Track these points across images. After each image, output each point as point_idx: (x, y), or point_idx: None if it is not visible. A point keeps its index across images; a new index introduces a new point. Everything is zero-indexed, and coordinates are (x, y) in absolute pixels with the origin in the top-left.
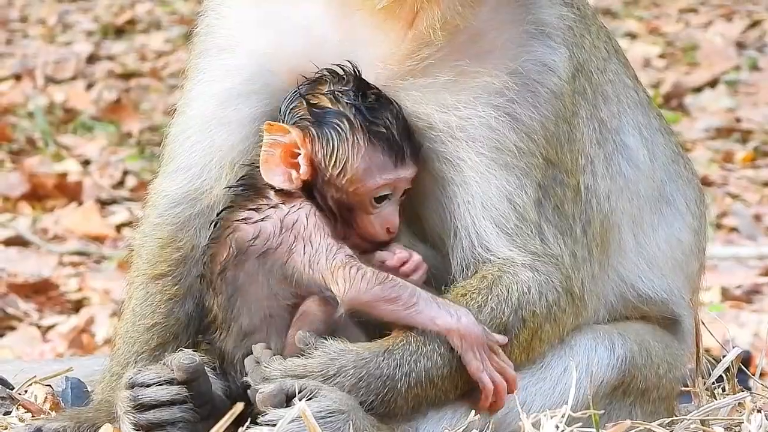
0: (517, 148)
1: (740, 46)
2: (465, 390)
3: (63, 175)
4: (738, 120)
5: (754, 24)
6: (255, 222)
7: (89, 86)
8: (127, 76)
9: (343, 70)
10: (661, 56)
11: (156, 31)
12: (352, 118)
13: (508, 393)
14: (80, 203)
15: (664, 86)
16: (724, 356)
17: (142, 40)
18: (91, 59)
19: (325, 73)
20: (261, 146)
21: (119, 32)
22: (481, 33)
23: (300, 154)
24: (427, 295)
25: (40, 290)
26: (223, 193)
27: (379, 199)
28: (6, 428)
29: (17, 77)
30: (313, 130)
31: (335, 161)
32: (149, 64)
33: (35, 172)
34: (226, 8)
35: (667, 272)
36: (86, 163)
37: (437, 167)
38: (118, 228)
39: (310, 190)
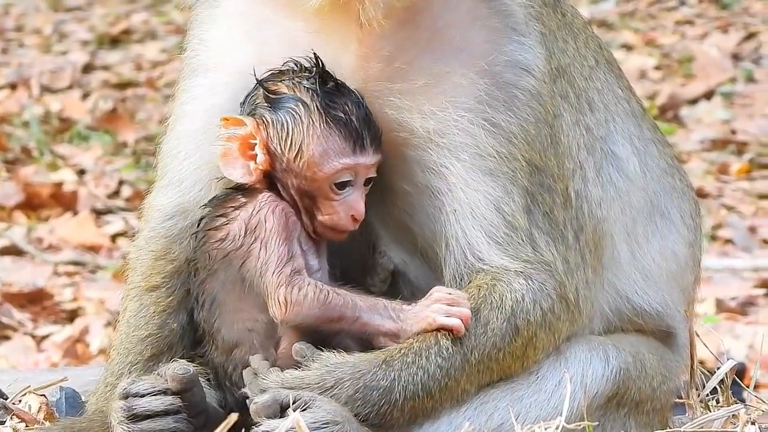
0: (498, 152)
1: (736, 57)
2: (462, 400)
3: (58, 185)
4: (733, 132)
5: (750, 36)
6: (223, 226)
7: (85, 96)
8: (122, 85)
9: (307, 61)
10: (657, 68)
11: (151, 41)
12: (308, 102)
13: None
14: (75, 213)
15: (659, 98)
16: (718, 368)
17: (138, 49)
18: (87, 69)
19: (290, 64)
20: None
21: (115, 42)
22: (444, 30)
23: (256, 143)
24: (367, 304)
25: (34, 300)
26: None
27: (341, 186)
28: None
29: (13, 86)
30: (267, 116)
31: (290, 144)
32: (145, 73)
33: (30, 181)
34: (207, 32)
35: (662, 285)
36: (81, 172)
37: (422, 176)
38: (114, 238)
39: (272, 182)
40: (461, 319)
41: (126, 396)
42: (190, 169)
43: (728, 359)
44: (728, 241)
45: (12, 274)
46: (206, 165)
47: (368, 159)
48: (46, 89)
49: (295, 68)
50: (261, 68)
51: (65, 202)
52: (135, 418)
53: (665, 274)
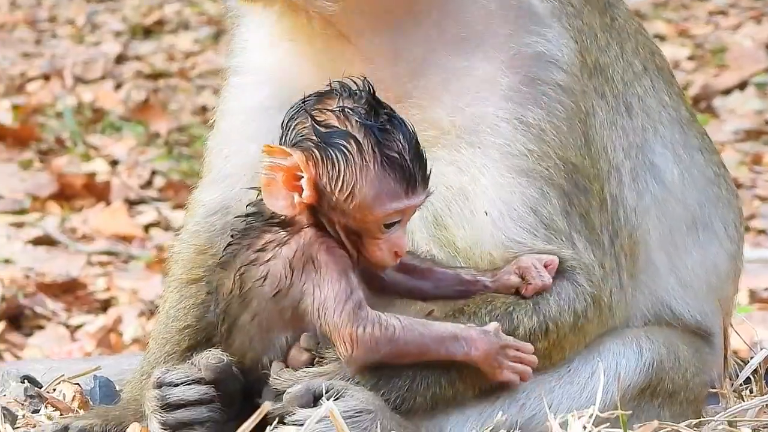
0: (529, 150)
1: None
2: (486, 389)
3: (91, 175)
4: (767, 122)
5: None
6: (263, 263)
7: (117, 86)
8: (155, 76)
9: (356, 84)
10: (690, 58)
11: (184, 32)
12: (361, 139)
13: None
14: (108, 203)
15: (692, 88)
16: (751, 358)
17: (171, 40)
18: (120, 59)
19: (336, 86)
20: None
21: (147, 33)
22: (457, 24)
23: (303, 177)
24: (433, 335)
25: (68, 290)
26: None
27: (389, 225)
28: (34, 426)
29: (46, 77)
30: (316, 152)
31: (342, 186)
32: (177, 64)
33: (64, 172)
34: (247, 33)
35: (702, 296)
36: (114, 163)
37: (456, 178)
38: (146, 228)
39: (315, 214)
40: (522, 376)
41: (160, 385)
42: (232, 167)
43: (761, 349)
44: (761, 232)
45: (45, 264)
46: (248, 163)
47: (419, 200)
48: (79, 80)
49: (342, 92)
50: (300, 68)
51: (98, 192)
52: (168, 407)
53: (705, 286)
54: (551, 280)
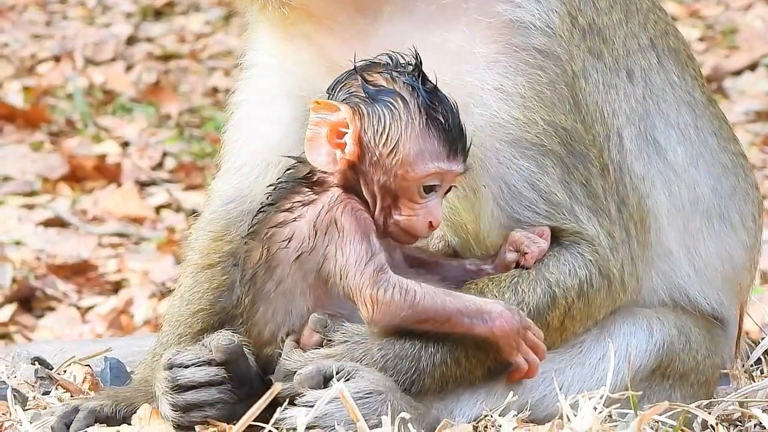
0: (514, 118)
1: None
2: (495, 368)
3: (102, 157)
4: None
5: None
6: (288, 223)
7: (128, 68)
8: (166, 58)
9: (404, 57)
10: (701, 39)
11: (195, 13)
12: (407, 98)
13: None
14: (119, 185)
15: (703, 69)
16: (763, 338)
17: (181, 22)
18: (131, 41)
19: (385, 57)
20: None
21: (158, 14)
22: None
23: (347, 132)
24: (457, 304)
25: (79, 271)
26: (264, 191)
27: (427, 189)
28: (45, 408)
29: (57, 59)
30: (363, 107)
31: (386, 140)
32: (188, 46)
33: (74, 153)
34: (254, 29)
35: (717, 285)
36: (125, 144)
37: None
38: (157, 210)
39: (351, 176)
40: (531, 367)
41: (170, 366)
42: (247, 155)
43: None
44: None
45: (56, 246)
46: (262, 151)
47: (459, 167)
48: (89, 62)
49: (391, 62)
50: (318, 55)
51: (109, 174)
52: (179, 388)
53: (720, 276)
54: (547, 244)
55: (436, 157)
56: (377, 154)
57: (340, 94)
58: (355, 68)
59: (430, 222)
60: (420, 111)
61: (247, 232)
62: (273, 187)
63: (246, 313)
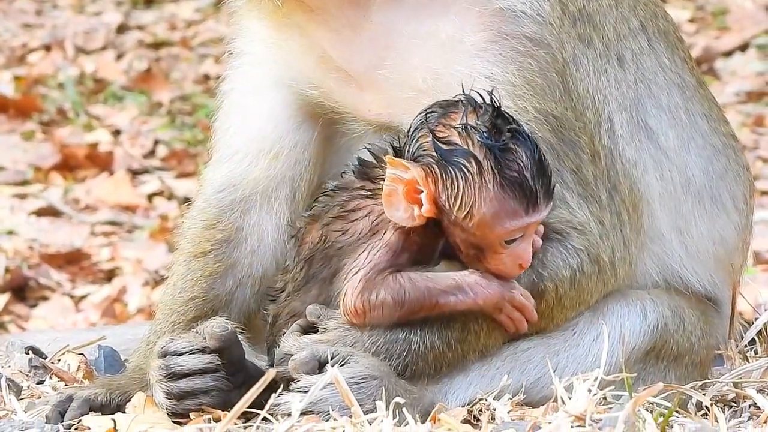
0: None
1: None
2: (488, 353)
3: (94, 146)
4: None
5: None
6: (350, 222)
7: (119, 56)
8: (156, 45)
9: (482, 98)
10: (691, 21)
11: (185, 1)
12: (481, 159)
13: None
14: (111, 173)
15: (694, 51)
16: (756, 319)
17: (172, 9)
18: (121, 29)
19: (462, 99)
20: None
21: (149, 2)
22: None
23: (423, 192)
24: (440, 286)
25: (72, 260)
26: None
27: (510, 241)
28: (39, 397)
29: (47, 48)
30: (436, 168)
31: (461, 204)
32: (179, 33)
33: (66, 142)
34: (240, 18)
35: (710, 266)
36: (117, 133)
37: None
38: (150, 198)
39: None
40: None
41: (164, 354)
42: (238, 144)
43: (766, 310)
44: (765, 193)
45: (49, 235)
46: (253, 140)
47: (540, 216)
48: (80, 50)
49: (467, 106)
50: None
51: (101, 162)
52: (173, 376)
53: (712, 258)
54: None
55: (513, 216)
56: (453, 216)
57: (413, 147)
58: (427, 123)
59: (520, 264)
60: (494, 172)
61: (308, 211)
62: (343, 173)
63: (300, 289)
